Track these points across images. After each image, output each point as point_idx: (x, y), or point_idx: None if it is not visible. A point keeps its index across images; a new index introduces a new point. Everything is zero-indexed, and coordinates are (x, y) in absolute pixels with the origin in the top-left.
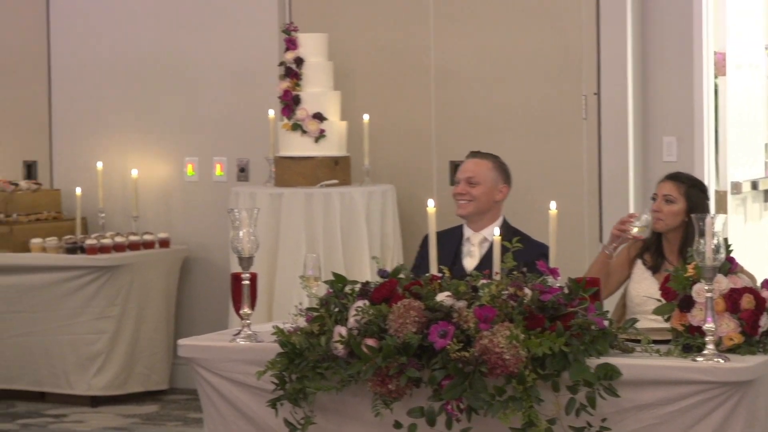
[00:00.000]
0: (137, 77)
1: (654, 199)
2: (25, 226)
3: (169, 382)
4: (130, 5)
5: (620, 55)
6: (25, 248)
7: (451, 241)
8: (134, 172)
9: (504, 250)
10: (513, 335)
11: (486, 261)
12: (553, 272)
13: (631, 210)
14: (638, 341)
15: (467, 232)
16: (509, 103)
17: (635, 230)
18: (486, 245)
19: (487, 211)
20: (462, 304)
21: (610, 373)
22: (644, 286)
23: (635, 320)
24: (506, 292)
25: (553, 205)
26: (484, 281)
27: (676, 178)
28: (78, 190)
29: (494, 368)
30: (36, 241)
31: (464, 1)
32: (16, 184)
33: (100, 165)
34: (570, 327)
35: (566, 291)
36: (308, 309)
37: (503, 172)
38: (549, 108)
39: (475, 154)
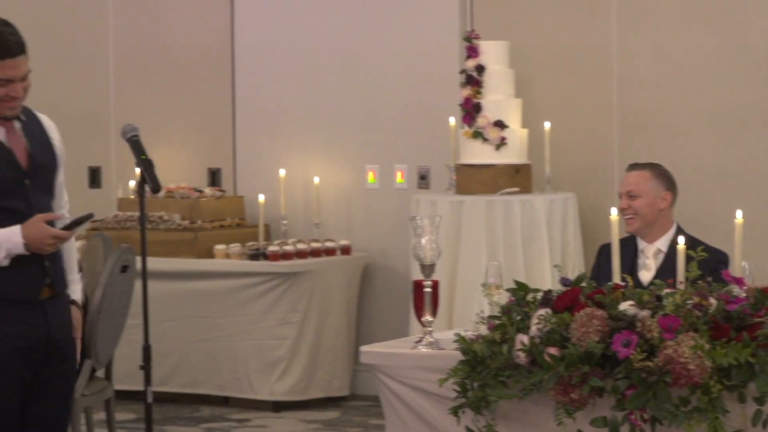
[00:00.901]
0: (319, 85)
1: None
2: (209, 232)
3: (350, 388)
4: (314, 15)
5: None
6: (209, 254)
7: (626, 253)
8: (316, 180)
9: (687, 258)
10: (698, 345)
11: (662, 273)
12: (739, 281)
13: None
14: None
15: (641, 244)
16: (693, 108)
17: None
18: (661, 256)
19: (655, 222)
20: (646, 313)
21: None
22: None
23: None
24: (691, 301)
25: (739, 213)
26: (668, 290)
27: None
28: (261, 197)
29: (678, 378)
30: (220, 247)
31: (647, 6)
32: (201, 191)
33: (282, 172)
34: (756, 337)
35: (752, 301)
36: (490, 317)
37: (664, 179)
38: (735, 113)
39: (633, 167)
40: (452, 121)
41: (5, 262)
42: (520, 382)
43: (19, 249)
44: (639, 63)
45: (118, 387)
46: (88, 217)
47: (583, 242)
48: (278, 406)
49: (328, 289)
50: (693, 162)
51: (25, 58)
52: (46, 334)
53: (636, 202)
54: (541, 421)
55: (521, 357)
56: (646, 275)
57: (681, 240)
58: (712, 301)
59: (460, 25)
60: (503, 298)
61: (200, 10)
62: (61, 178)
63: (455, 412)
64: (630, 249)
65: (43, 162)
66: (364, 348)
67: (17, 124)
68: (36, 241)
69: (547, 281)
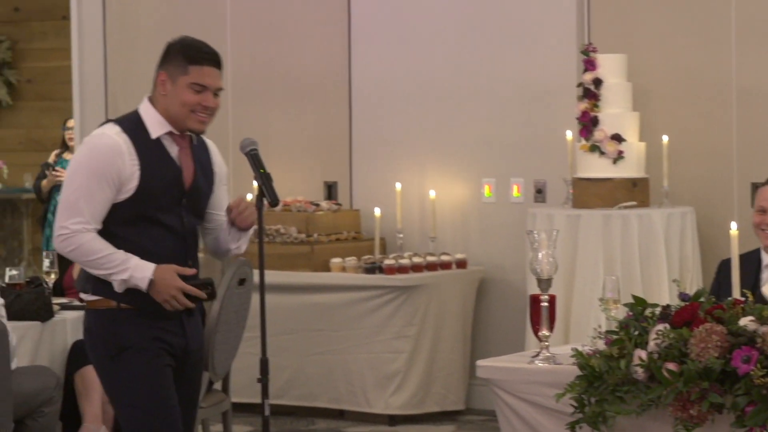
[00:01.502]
0: (435, 98)
1: None
2: (326, 246)
3: (465, 402)
4: (429, 28)
5: None
6: (326, 268)
7: (748, 268)
8: (432, 193)
9: None
10: None
11: None
12: None
13: None
14: None
15: (765, 259)
16: None
17: None
18: None
19: None
20: (766, 328)
21: None
22: None
23: None
24: None
25: None
26: None
27: None
28: (377, 211)
29: None
30: (336, 260)
31: (767, 18)
32: (318, 205)
33: (398, 186)
34: None
35: None
36: (607, 332)
37: None
38: None
39: None
40: (569, 134)
41: (119, 288)
42: (638, 397)
43: (143, 284)
44: (759, 76)
45: (235, 399)
46: (211, 283)
47: (701, 257)
48: (393, 420)
49: (443, 303)
50: None
51: (220, 73)
52: (183, 344)
53: None
54: None
55: (639, 372)
56: None
57: None
58: None
59: (578, 38)
60: (621, 312)
61: (318, 27)
62: (223, 194)
63: (572, 427)
64: (753, 264)
65: (202, 186)
66: (480, 362)
67: (188, 145)
68: (163, 285)
69: (665, 296)
